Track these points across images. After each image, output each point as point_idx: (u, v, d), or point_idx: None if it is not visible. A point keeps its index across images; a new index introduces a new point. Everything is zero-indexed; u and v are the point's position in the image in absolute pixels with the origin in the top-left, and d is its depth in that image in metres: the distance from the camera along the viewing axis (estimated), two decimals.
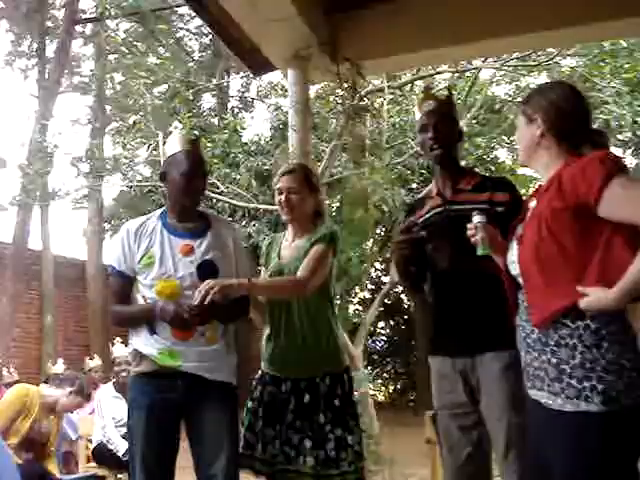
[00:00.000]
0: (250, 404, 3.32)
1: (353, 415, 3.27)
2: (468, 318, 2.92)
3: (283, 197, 3.37)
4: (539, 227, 2.18)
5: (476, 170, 3.39)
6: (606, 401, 2.03)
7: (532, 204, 2.36)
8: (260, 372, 3.38)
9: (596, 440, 2.04)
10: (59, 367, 7.65)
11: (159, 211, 3.27)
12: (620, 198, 2.08)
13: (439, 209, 3.09)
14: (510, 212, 2.71)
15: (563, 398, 2.10)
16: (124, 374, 6.01)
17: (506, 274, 2.40)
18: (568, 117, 2.35)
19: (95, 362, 8.01)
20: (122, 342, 6.23)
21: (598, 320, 2.08)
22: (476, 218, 2.52)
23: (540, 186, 2.41)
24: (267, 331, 3.37)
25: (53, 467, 5.19)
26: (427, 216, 3.13)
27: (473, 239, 2.51)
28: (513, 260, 2.34)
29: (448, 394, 2.99)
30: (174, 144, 3.20)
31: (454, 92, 3.40)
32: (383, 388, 17.83)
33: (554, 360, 2.13)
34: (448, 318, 3.01)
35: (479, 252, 2.50)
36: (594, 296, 2.07)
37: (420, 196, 3.55)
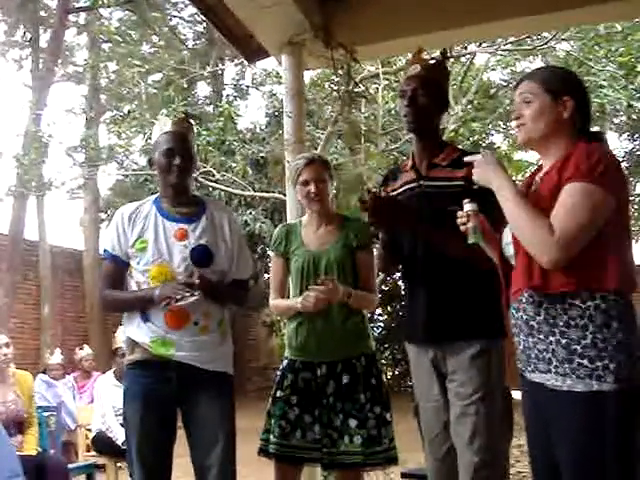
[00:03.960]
0: (280, 393, 3.30)
1: (386, 393, 3.34)
2: (439, 304, 2.87)
3: (313, 188, 3.34)
4: (539, 202, 2.17)
5: (457, 145, 3.28)
6: (618, 379, 2.05)
7: (533, 187, 2.32)
8: (286, 361, 3.38)
9: (609, 418, 2.06)
10: (56, 357, 7.66)
11: (153, 196, 3.24)
12: (564, 198, 2.11)
13: (412, 184, 3.00)
14: (485, 190, 2.68)
15: (573, 379, 2.10)
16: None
17: (500, 258, 2.38)
18: (589, 106, 2.38)
19: (85, 351, 8.00)
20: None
21: (608, 300, 2.10)
22: (467, 206, 2.42)
23: (539, 167, 2.40)
24: (294, 321, 3.36)
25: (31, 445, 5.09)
26: (399, 191, 3.05)
27: (463, 227, 2.43)
28: (509, 242, 2.33)
29: (425, 386, 2.98)
30: (159, 128, 3.19)
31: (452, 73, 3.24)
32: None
33: (563, 341, 2.12)
34: (419, 303, 2.94)
35: (470, 241, 2.42)
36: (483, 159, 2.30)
37: (394, 168, 3.47)
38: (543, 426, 2.23)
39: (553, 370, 2.15)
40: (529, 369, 2.26)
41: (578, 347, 2.10)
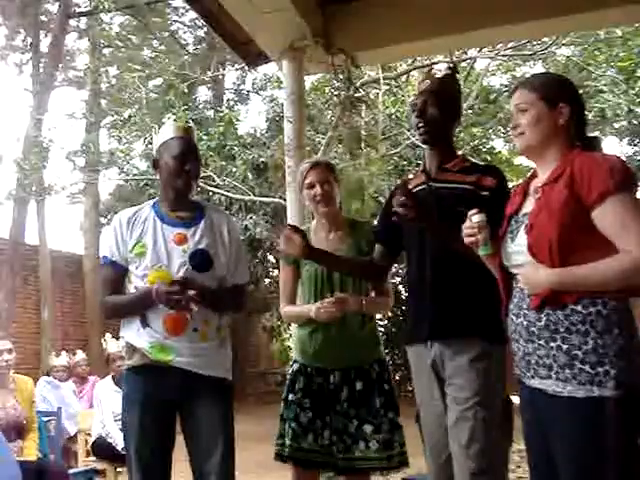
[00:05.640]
0: (292, 397, 3.31)
1: (396, 398, 3.37)
2: (446, 301, 2.86)
3: (319, 189, 3.36)
4: (552, 215, 2.16)
5: (468, 157, 3.34)
6: (619, 385, 2.06)
7: (534, 194, 2.31)
8: (297, 365, 3.38)
9: (610, 424, 2.06)
10: (62, 359, 7.64)
11: (152, 201, 3.22)
12: (611, 217, 2.11)
13: (422, 186, 3.02)
14: (495, 198, 2.68)
15: (574, 384, 2.10)
16: (120, 369, 5.96)
17: (499, 266, 2.38)
18: (583, 113, 2.38)
19: (79, 356, 7.97)
20: (113, 337, 6.22)
21: (609, 306, 2.11)
22: (476, 217, 2.39)
23: (533, 174, 2.40)
24: (307, 327, 3.36)
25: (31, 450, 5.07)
26: None
27: (470, 239, 2.42)
28: (512, 251, 2.32)
29: (426, 391, 2.97)
30: (166, 132, 3.17)
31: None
32: None
33: (565, 346, 2.13)
34: (426, 300, 2.93)
35: (481, 252, 2.42)
36: (526, 270, 2.21)
37: (404, 179, 3.51)
38: (542, 432, 2.23)
39: (554, 376, 2.15)
40: (528, 375, 2.26)
41: (579, 353, 2.11)
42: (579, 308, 2.12)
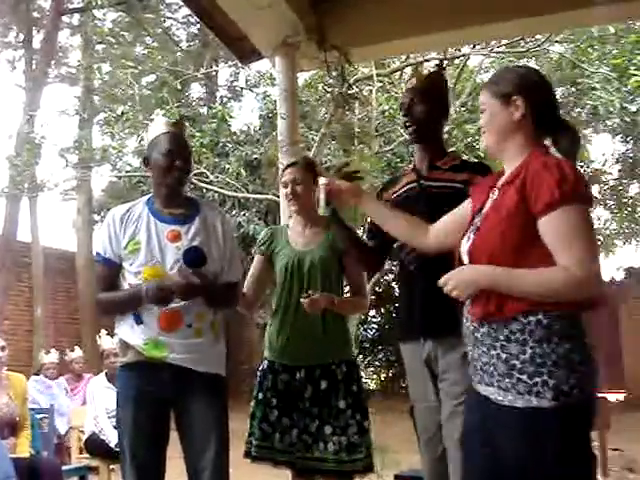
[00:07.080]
0: (261, 395, 3.35)
1: (365, 400, 3.38)
2: (436, 299, 2.88)
3: (289, 189, 3.45)
4: (500, 220, 2.12)
5: (460, 154, 3.34)
6: (557, 396, 2.00)
7: (492, 195, 2.26)
8: (267, 362, 3.41)
9: (549, 435, 2.01)
10: (52, 356, 7.62)
11: (146, 197, 3.22)
12: (554, 230, 2.05)
13: (413, 184, 3.04)
14: None
15: (514, 394, 2.06)
16: (114, 365, 5.95)
17: (459, 263, 2.32)
18: (548, 102, 2.30)
19: (76, 353, 7.96)
20: (108, 333, 6.22)
21: (549, 315, 2.05)
22: (322, 180, 2.66)
23: (498, 174, 2.34)
24: (276, 322, 3.40)
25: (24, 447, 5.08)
26: (400, 191, 3.07)
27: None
28: (464, 250, 2.28)
29: (420, 387, 2.99)
30: (156, 128, 3.17)
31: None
32: (375, 376, 17.90)
33: (504, 355, 2.08)
34: (416, 299, 2.95)
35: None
36: (449, 276, 2.19)
37: (394, 176, 3.53)
38: (487, 439, 2.17)
39: (496, 384, 2.11)
40: (476, 380, 2.22)
41: (517, 362, 2.06)
42: (519, 317, 2.07)
